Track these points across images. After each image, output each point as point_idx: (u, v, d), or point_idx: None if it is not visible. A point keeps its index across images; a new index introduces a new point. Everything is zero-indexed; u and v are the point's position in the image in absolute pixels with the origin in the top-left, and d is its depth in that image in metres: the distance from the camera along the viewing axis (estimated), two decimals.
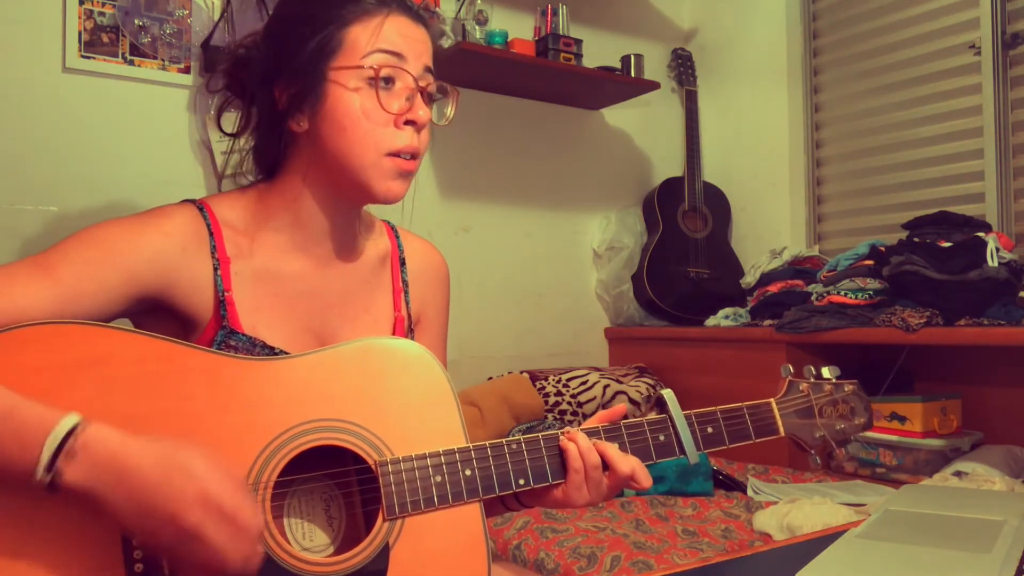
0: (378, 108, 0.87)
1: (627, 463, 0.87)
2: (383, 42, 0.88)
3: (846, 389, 1.05)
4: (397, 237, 1.05)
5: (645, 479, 0.88)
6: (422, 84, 0.91)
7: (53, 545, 0.69)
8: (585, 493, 0.87)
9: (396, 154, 0.89)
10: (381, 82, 0.88)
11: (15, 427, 0.67)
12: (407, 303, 1.02)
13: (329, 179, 0.91)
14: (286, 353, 0.88)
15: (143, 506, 0.67)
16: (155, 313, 0.88)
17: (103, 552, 0.70)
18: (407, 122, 0.89)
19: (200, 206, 0.90)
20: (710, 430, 0.94)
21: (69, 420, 0.68)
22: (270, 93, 0.92)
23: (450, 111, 0.98)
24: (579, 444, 0.87)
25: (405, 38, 0.90)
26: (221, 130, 1.00)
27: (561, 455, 0.87)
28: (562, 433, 0.88)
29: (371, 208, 1.04)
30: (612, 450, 0.87)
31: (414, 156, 0.90)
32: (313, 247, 0.94)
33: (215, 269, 0.88)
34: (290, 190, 0.93)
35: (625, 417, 0.92)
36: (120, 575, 0.71)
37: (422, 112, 0.89)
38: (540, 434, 0.86)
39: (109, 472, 0.67)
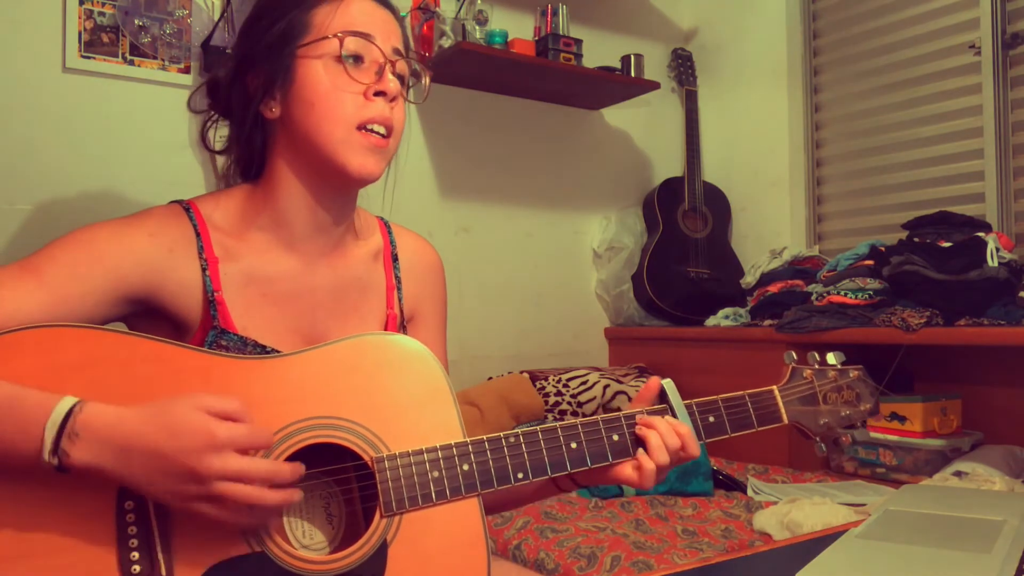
0: (347, 80, 0.88)
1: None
2: (349, 23, 0.89)
3: (851, 375, 1.03)
4: (390, 233, 1.05)
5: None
6: (392, 60, 0.91)
7: (48, 526, 0.70)
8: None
9: (367, 126, 0.88)
10: (349, 59, 0.88)
11: (17, 415, 0.68)
12: (399, 300, 1.02)
13: (307, 165, 0.91)
14: (279, 352, 0.88)
15: (157, 470, 0.68)
16: (147, 315, 0.88)
17: (96, 523, 0.71)
18: (377, 94, 0.89)
19: (187, 207, 0.90)
20: (712, 419, 0.93)
21: (66, 402, 0.69)
22: (243, 84, 0.92)
23: (425, 83, 0.98)
24: (658, 428, 0.88)
25: (371, 18, 0.90)
26: (207, 148, 0.99)
27: (566, 447, 0.87)
28: (629, 421, 0.89)
29: (365, 205, 1.03)
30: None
31: (387, 130, 0.90)
32: (300, 244, 0.93)
33: (203, 270, 0.88)
34: (273, 186, 0.93)
35: (662, 399, 0.92)
36: (111, 528, 0.71)
37: (392, 83, 0.89)
38: (539, 427, 0.86)
39: (113, 446, 0.68)
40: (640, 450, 0.88)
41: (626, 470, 0.88)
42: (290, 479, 0.73)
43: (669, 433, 0.88)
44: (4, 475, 0.69)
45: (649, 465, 0.87)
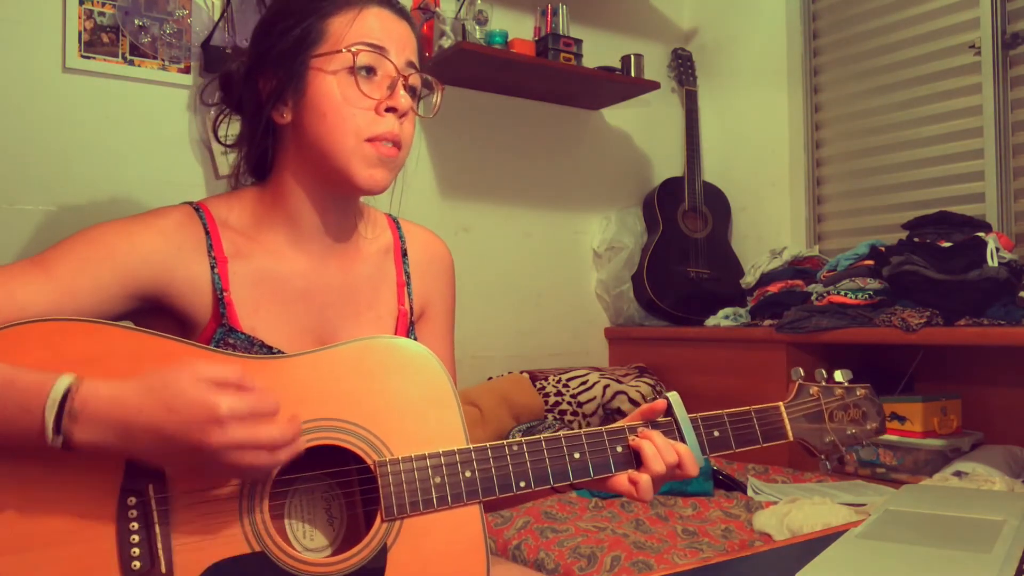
0: (358, 94, 0.88)
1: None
2: (365, 34, 0.89)
3: (858, 393, 1.03)
4: (399, 228, 1.05)
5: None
6: (405, 75, 0.91)
7: (51, 499, 0.70)
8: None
9: (377, 140, 0.89)
10: (363, 71, 0.88)
11: (16, 394, 0.68)
12: (409, 296, 1.02)
13: (315, 171, 0.91)
14: (284, 353, 0.88)
15: (162, 445, 0.68)
16: (155, 314, 0.88)
17: (97, 518, 0.71)
18: (388, 109, 0.89)
19: (197, 207, 0.91)
20: (716, 434, 0.93)
21: (63, 381, 0.68)
22: (255, 87, 0.93)
23: (436, 100, 0.98)
24: (654, 440, 0.87)
25: (387, 31, 0.91)
26: (219, 142, 1.01)
27: (569, 457, 0.86)
28: (632, 434, 0.88)
29: (370, 201, 1.04)
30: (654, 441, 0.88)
31: (396, 144, 0.90)
32: (309, 244, 0.94)
33: (212, 268, 0.88)
34: (281, 188, 0.93)
35: (667, 411, 0.92)
36: (112, 524, 0.71)
37: (404, 99, 0.89)
38: (542, 436, 0.86)
39: (114, 425, 0.68)
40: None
41: (623, 481, 0.88)
42: (294, 438, 0.73)
43: (666, 447, 0.87)
44: (7, 459, 0.69)
45: (643, 477, 0.86)
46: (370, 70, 0.89)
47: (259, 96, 0.92)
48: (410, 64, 0.92)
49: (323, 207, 0.94)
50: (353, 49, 0.88)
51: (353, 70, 0.88)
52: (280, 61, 0.90)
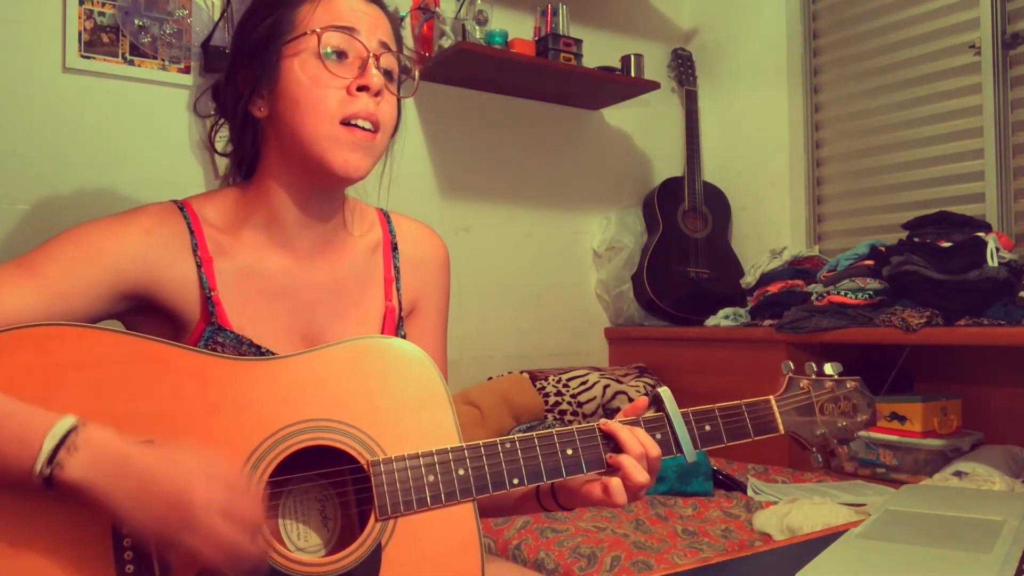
0: (328, 76, 0.87)
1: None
2: (332, 17, 0.88)
3: (848, 386, 1.03)
4: (390, 223, 1.04)
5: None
6: (376, 54, 0.90)
7: (45, 541, 0.69)
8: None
9: (352, 121, 0.87)
10: (333, 54, 0.87)
11: (15, 427, 0.67)
12: (398, 291, 1.00)
13: (294, 164, 0.90)
14: (272, 352, 0.88)
15: (145, 493, 0.68)
16: (145, 313, 0.88)
17: (94, 548, 0.70)
18: (360, 89, 0.88)
19: (181, 205, 0.91)
20: (708, 428, 0.93)
21: (69, 419, 0.68)
22: (234, 83, 0.93)
23: (415, 77, 0.97)
24: (636, 434, 0.87)
25: (355, 12, 0.90)
26: (215, 150, 1.00)
27: (562, 453, 0.86)
28: (599, 425, 0.88)
29: (362, 197, 1.03)
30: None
31: (374, 125, 0.89)
32: (293, 241, 0.93)
33: (198, 267, 0.88)
34: (264, 185, 0.93)
35: (659, 407, 0.91)
36: (110, 572, 0.70)
37: (375, 78, 0.88)
38: (535, 433, 0.86)
39: (111, 463, 0.68)
40: (607, 472, 0.87)
41: (595, 492, 0.88)
42: (263, 550, 0.73)
43: (650, 443, 0.87)
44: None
45: (615, 482, 0.86)
46: (340, 53, 0.88)
47: (237, 91, 0.92)
48: (383, 45, 0.91)
49: (305, 202, 0.93)
50: (318, 31, 0.87)
51: (322, 54, 0.87)
52: (254, 54, 0.90)
